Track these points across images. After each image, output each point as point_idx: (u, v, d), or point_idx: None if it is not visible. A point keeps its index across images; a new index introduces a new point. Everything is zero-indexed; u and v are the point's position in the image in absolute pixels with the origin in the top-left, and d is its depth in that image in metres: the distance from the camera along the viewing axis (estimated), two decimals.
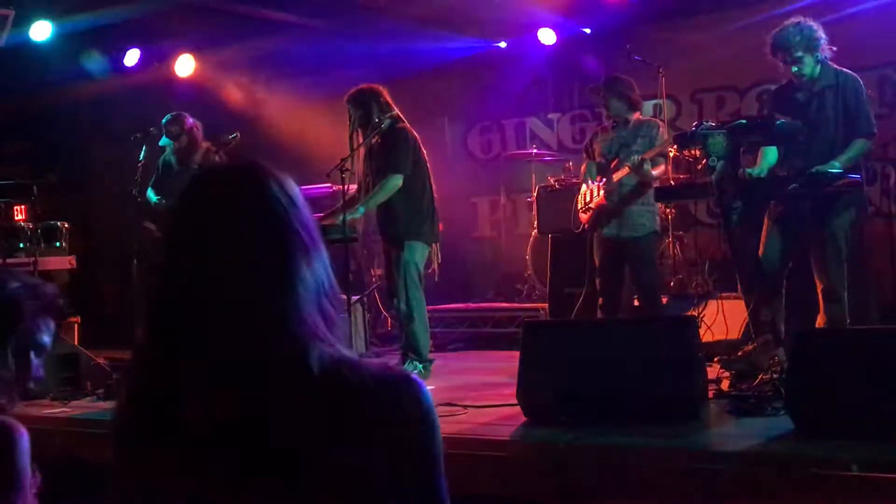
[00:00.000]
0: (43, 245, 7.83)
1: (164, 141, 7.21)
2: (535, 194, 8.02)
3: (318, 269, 1.38)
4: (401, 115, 6.15)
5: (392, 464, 1.28)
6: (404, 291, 5.99)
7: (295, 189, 1.42)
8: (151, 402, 1.37)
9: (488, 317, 8.09)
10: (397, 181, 5.98)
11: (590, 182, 6.38)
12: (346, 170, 6.15)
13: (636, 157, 5.93)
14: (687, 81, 8.42)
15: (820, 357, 3.98)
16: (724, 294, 6.55)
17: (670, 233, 7.00)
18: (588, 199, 6.35)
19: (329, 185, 6.66)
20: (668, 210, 6.84)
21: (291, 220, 1.37)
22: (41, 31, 8.40)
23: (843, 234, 5.02)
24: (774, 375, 4.51)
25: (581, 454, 3.89)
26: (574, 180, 7.37)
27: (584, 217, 6.38)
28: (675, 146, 5.95)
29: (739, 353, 5.11)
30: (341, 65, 8.45)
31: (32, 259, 7.58)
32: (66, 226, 8.18)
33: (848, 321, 4.99)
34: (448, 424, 4.42)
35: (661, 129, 6.17)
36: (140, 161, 7.18)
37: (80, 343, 7.03)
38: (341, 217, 5.94)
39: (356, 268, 7.75)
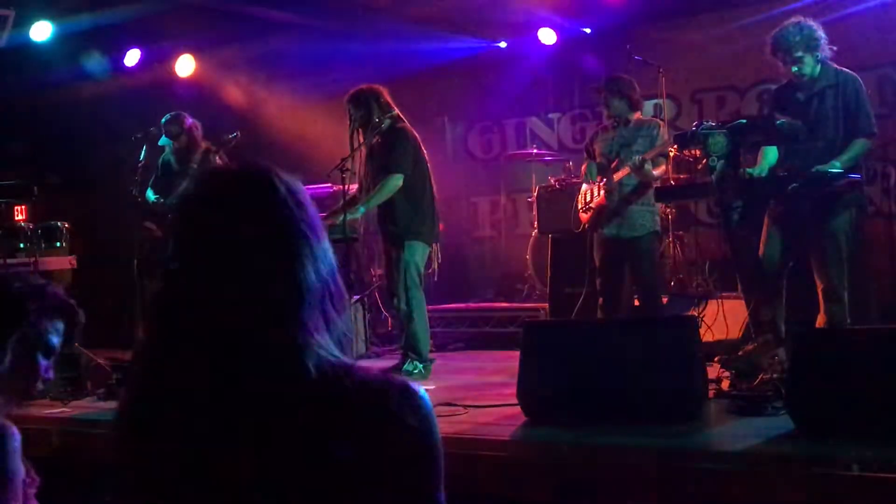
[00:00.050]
0: (43, 245, 7.83)
1: (163, 140, 7.20)
2: (535, 194, 8.02)
3: (325, 273, 1.37)
4: (401, 115, 6.15)
5: (389, 475, 1.27)
6: (404, 291, 5.99)
7: (303, 191, 1.42)
8: (154, 402, 1.37)
9: (488, 317, 8.09)
10: (398, 181, 5.98)
11: (590, 182, 6.39)
12: (347, 170, 6.15)
13: (637, 158, 5.93)
14: (687, 81, 8.43)
15: (820, 357, 3.98)
16: (724, 294, 6.56)
17: (670, 232, 7.00)
18: (588, 198, 6.35)
19: (329, 185, 6.67)
20: (668, 210, 6.85)
21: (299, 223, 1.37)
22: (41, 31, 8.40)
23: (843, 234, 5.01)
24: (775, 375, 4.51)
25: (581, 454, 3.89)
26: (574, 180, 7.37)
27: (584, 217, 6.38)
28: (676, 146, 5.96)
29: (740, 353, 5.11)
30: (341, 65, 8.45)
31: (33, 259, 7.58)
32: (67, 226, 8.18)
33: (848, 321, 4.99)
34: (448, 424, 4.41)
35: (661, 128, 6.17)
36: (140, 161, 7.18)
37: (81, 343, 7.02)
38: (342, 217, 5.94)
39: (356, 268, 7.75)
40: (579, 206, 6.44)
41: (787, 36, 5.07)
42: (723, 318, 6.23)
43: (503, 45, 9.45)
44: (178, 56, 9.37)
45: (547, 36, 8.95)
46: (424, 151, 6.18)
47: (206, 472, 1.30)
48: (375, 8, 8.49)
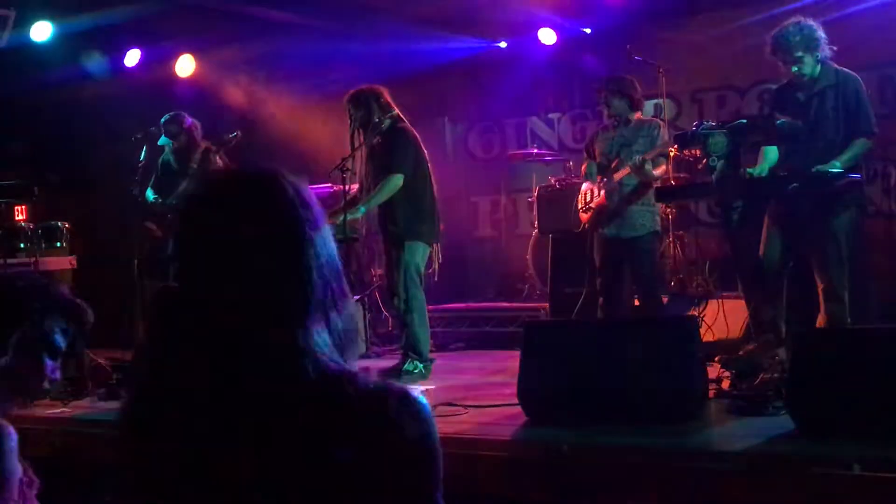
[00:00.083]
0: (43, 245, 7.83)
1: (162, 140, 7.20)
2: (535, 194, 8.02)
3: (329, 276, 1.37)
4: (401, 115, 6.15)
5: (388, 477, 1.27)
6: (404, 291, 5.99)
7: (309, 194, 1.42)
8: (154, 402, 1.37)
9: (489, 316, 8.09)
10: (398, 181, 5.98)
11: (590, 182, 6.39)
12: (347, 170, 6.15)
13: (637, 158, 5.93)
14: (687, 81, 8.42)
15: (820, 357, 3.98)
16: (724, 293, 6.56)
17: (671, 232, 7.00)
18: (588, 198, 6.35)
19: (330, 184, 6.67)
20: (668, 210, 6.84)
21: (304, 225, 1.36)
22: (41, 31, 8.40)
23: (843, 234, 5.01)
24: (775, 375, 4.51)
25: (581, 454, 3.88)
26: (575, 180, 7.37)
27: (584, 217, 6.38)
28: (676, 146, 5.96)
29: (740, 353, 5.11)
30: (341, 65, 8.45)
31: (33, 259, 7.59)
32: (67, 226, 8.18)
33: (848, 321, 4.99)
34: (449, 424, 4.42)
35: (661, 128, 6.17)
36: (140, 161, 7.18)
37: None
38: (342, 217, 5.94)
39: (356, 268, 7.75)
40: (579, 206, 6.44)
41: (787, 36, 5.07)
42: (723, 318, 6.23)
43: (503, 45, 9.44)
44: (178, 56, 9.36)
45: (547, 36, 8.95)
46: (425, 151, 6.18)
47: (206, 472, 1.30)
48: (375, 8, 8.49)
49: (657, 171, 6.06)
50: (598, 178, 6.29)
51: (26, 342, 2.15)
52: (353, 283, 7.33)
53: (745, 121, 5.19)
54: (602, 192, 6.22)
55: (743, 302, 5.52)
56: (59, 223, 8.11)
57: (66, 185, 9.65)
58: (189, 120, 7.19)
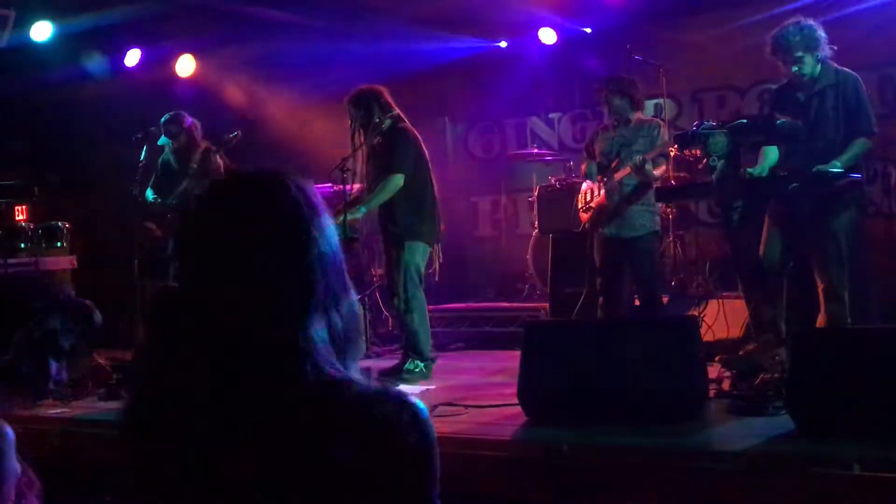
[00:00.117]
0: (44, 245, 7.83)
1: (162, 140, 7.20)
2: (535, 194, 8.02)
3: (332, 278, 1.37)
4: (402, 115, 6.15)
5: (386, 477, 1.27)
6: (404, 291, 5.99)
7: (315, 195, 1.41)
8: (154, 402, 1.37)
9: (489, 316, 8.09)
10: (399, 181, 5.98)
11: (590, 181, 6.38)
12: (347, 170, 6.15)
13: (638, 158, 5.93)
14: (687, 81, 8.43)
15: (821, 357, 3.98)
16: (724, 293, 6.56)
17: (671, 232, 7.00)
18: (588, 198, 6.35)
19: (330, 184, 6.67)
20: (668, 210, 6.84)
21: (308, 226, 1.36)
22: (42, 31, 8.40)
23: (843, 234, 5.01)
24: (775, 375, 4.51)
25: (581, 454, 3.89)
26: (575, 180, 7.37)
27: (584, 216, 6.38)
28: (676, 146, 5.96)
29: (740, 353, 5.11)
30: (341, 65, 8.44)
31: (33, 259, 7.59)
32: (67, 226, 8.18)
33: (849, 321, 4.99)
34: (449, 424, 4.42)
35: (662, 128, 6.16)
36: (141, 161, 7.18)
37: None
38: (342, 217, 5.94)
39: (357, 268, 7.75)
40: (579, 206, 6.44)
41: (787, 36, 5.07)
42: (723, 318, 6.23)
43: (503, 45, 9.45)
44: (178, 56, 9.37)
45: (547, 36, 8.96)
46: (426, 151, 6.18)
47: (206, 472, 1.30)
48: (375, 8, 8.49)
49: (657, 172, 6.06)
50: (599, 178, 6.29)
51: (30, 342, 2.15)
52: (354, 283, 7.34)
53: (745, 121, 5.18)
54: (602, 192, 6.22)
55: (743, 302, 5.52)
56: (60, 223, 8.11)
57: (66, 185, 9.65)
58: (189, 120, 7.19)
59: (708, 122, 5.17)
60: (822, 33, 5.08)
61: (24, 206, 8.20)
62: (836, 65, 5.17)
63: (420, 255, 6.06)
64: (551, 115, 9.58)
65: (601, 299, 6.25)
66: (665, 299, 6.69)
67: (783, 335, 5.04)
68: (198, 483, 1.30)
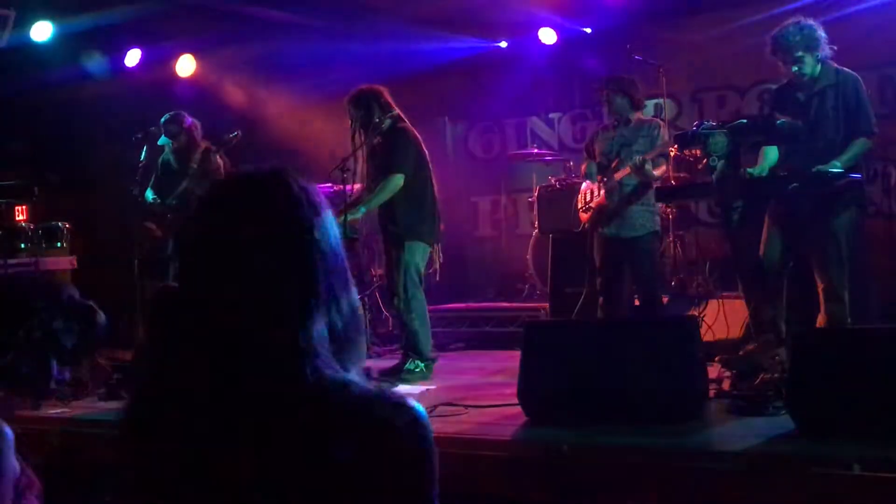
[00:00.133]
0: (44, 245, 7.83)
1: (162, 140, 7.20)
2: (535, 194, 8.02)
3: (334, 281, 1.37)
4: (402, 115, 6.15)
5: (386, 478, 1.27)
6: (404, 292, 5.99)
7: (318, 195, 1.41)
8: (154, 402, 1.37)
9: (489, 316, 8.09)
10: (399, 180, 5.98)
11: (590, 181, 6.38)
12: (347, 170, 6.15)
13: (638, 158, 5.93)
14: (688, 81, 8.43)
15: (821, 357, 3.98)
16: (724, 293, 6.56)
17: (671, 232, 7.00)
18: (588, 198, 6.35)
19: (329, 184, 6.67)
20: (668, 209, 6.84)
21: (310, 227, 1.36)
22: (42, 31, 8.40)
23: (843, 234, 5.01)
24: (775, 375, 4.51)
25: (581, 454, 3.88)
26: (575, 180, 7.37)
27: (584, 216, 6.38)
28: (676, 146, 5.96)
29: (740, 353, 5.11)
30: (341, 65, 8.44)
31: (33, 259, 7.59)
32: (68, 226, 8.18)
33: (849, 321, 4.99)
34: (449, 424, 4.42)
35: (661, 129, 6.16)
36: (141, 161, 7.18)
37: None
38: (342, 217, 5.94)
39: (357, 268, 7.75)
40: (579, 206, 6.44)
41: (787, 36, 5.06)
42: (723, 318, 6.23)
43: (503, 45, 9.45)
44: (178, 56, 9.37)
45: (547, 36, 8.96)
46: (426, 151, 6.18)
47: (206, 472, 1.30)
48: (375, 8, 8.49)
49: (657, 172, 6.06)
50: (598, 178, 6.29)
51: (31, 342, 2.14)
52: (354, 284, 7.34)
53: (745, 121, 5.18)
54: (602, 192, 6.22)
55: (743, 302, 5.52)
56: (60, 223, 8.10)
57: (66, 185, 9.65)
58: (189, 120, 7.19)
59: (708, 122, 5.17)
60: (822, 33, 5.08)
61: (24, 206, 8.19)
62: (836, 65, 5.17)
63: (420, 255, 6.06)
64: (551, 115, 9.58)
65: (601, 299, 6.25)
66: (665, 299, 6.70)
67: (783, 335, 5.04)
68: (198, 483, 1.30)
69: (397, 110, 6.13)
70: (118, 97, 9.16)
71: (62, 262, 7.99)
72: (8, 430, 2.03)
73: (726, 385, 4.83)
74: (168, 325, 1.38)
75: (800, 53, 5.05)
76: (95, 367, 6.03)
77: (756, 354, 4.89)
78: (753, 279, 5.26)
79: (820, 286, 5.05)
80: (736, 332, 6.09)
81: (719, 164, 4.91)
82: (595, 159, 6.37)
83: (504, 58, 9.41)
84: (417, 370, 5.96)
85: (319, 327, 1.33)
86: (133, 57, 9.27)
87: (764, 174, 5.12)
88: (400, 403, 1.32)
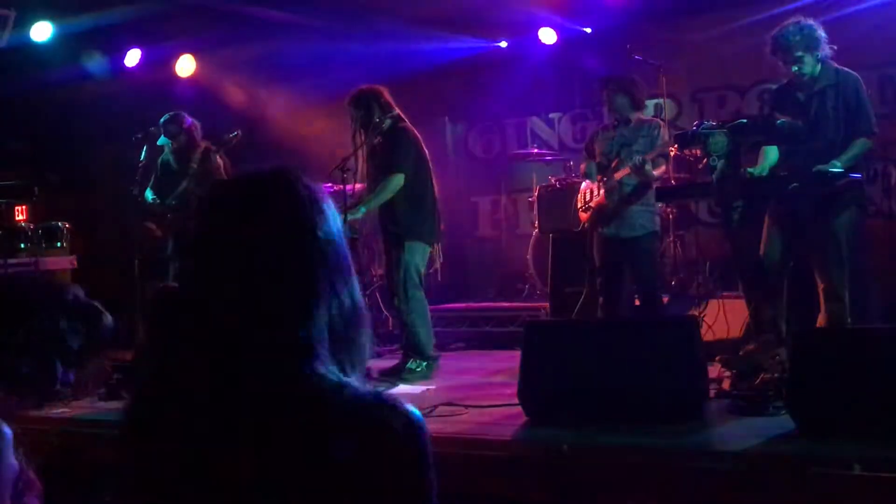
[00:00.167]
0: (44, 245, 7.83)
1: (162, 140, 7.20)
2: (536, 194, 8.02)
3: (337, 282, 1.36)
4: (402, 115, 6.15)
5: (385, 479, 1.27)
6: (404, 292, 5.99)
7: (323, 195, 1.41)
8: (154, 402, 1.37)
9: (489, 316, 8.09)
10: (399, 180, 5.99)
11: (590, 181, 6.38)
12: (347, 170, 6.16)
13: (638, 158, 5.93)
14: (688, 81, 8.44)
15: (821, 356, 3.98)
16: (725, 293, 6.56)
17: (671, 232, 7.00)
18: (588, 197, 6.34)
19: (329, 184, 6.67)
20: (669, 209, 6.84)
21: (314, 228, 1.36)
22: (42, 31, 8.40)
23: (843, 234, 5.01)
24: (776, 375, 4.50)
25: (582, 454, 3.88)
26: (575, 179, 7.37)
27: (583, 216, 6.38)
28: (676, 146, 5.96)
29: (741, 353, 5.11)
30: (341, 65, 8.45)
31: (33, 259, 7.59)
32: (68, 226, 8.18)
33: (849, 320, 4.99)
34: (449, 424, 4.42)
35: (661, 129, 6.16)
36: (141, 161, 7.18)
37: None
38: (343, 217, 5.94)
39: (357, 268, 7.74)
40: (579, 206, 6.44)
41: (787, 36, 5.06)
42: (724, 318, 6.23)
43: (503, 44, 9.45)
44: (178, 56, 9.37)
45: (547, 36, 8.96)
46: (426, 151, 6.18)
47: (206, 472, 1.30)
48: (375, 8, 8.48)
49: (657, 172, 6.06)
50: (598, 178, 6.29)
51: (33, 342, 2.13)
52: None
53: (745, 121, 5.18)
54: (602, 192, 6.22)
55: (743, 302, 5.51)
56: (60, 223, 8.11)
57: (66, 185, 9.66)
58: (189, 120, 7.19)
59: (708, 122, 5.17)
60: (822, 33, 5.08)
61: (24, 206, 8.20)
62: (836, 65, 5.17)
63: (420, 255, 6.06)
64: (551, 115, 9.58)
65: (601, 299, 6.25)
66: (665, 299, 6.69)
67: (783, 335, 5.03)
68: (198, 483, 1.30)
69: (397, 110, 6.13)
70: (118, 97, 9.16)
71: (62, 262, 8.00)
72: (7, 430, 2.02)
73: (726, 385, 4.83)
74: (168, 325, 1.38)
75: (800, 53, 5.05)
76: (97, 368, 6.03)
77: (756, 354, 4.89)
78: (754, 279, 5.26)
79: (820, 286, 5.05)
80: (736, 332, 6.09)
81: (719, 164, 4.91)
82: (595, 159, 6.37)
83: (504, 58, 9.41)
84: (419, 370, 5.97)
85: (320, 328, 1.33)
86: (133, 57, 9.27)
87: (764, 174, 5.12)
88: (394, 406, 1.32)
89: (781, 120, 5.15)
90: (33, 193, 8.12)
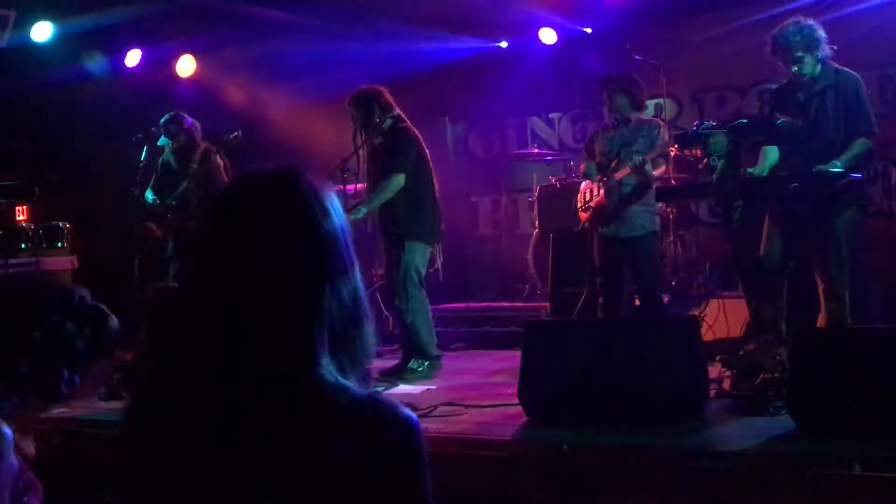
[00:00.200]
0: (45, 245, 7.84)
1: (162, 140, 7.21)
2: (536, 194, 8.02)
3: (339, 284, 1.36)
4: (402, 115, 6.15)
5: (381, 487, 1.28)
6: (404, 291, 5.99)
7: (331, 199, 1.41)
8: (154, 402, 1.37)
9: (489, 316, 8.09)
10: (400, 180, 5.99)
11: (590, 181, 6.38)
12: (348, 170, 6.16)
13: (638, 158, 5.92)
14: (688, 81, 8.43)
15: (821, 356, 3.98)
16: (725, 293, 6.56)
17: (671, 232, 7.00)
18: (588, 197, 6.34)
19: (329, 185, 6.67)
20: (669, 209, 6.84)
21: (318, 228, 1.36)
22: (42, 31, 8.40)
23: (843, 234, 5.01)
24: (776, 375, 4.50)
25: (582, 454, 3.88)
26: (575, 179, 7.37)
27: (583, 216, 6.38)
28: (676, 146, 5.96)
29: (741, 353, 5.11)
30: (341, 65, 8.45)
31: (34, 259, 7.59)
32: (68, 226, 8.19)
33: (849, 320, 4.99)
34: (449, 424, 4.43)
35: (661, 129, 6.16)
36: (141, 161, 7.18)
37: None
38: None
39: (360, 267, 7.73)
40: (579, 206, 6.44)
41: (787, 36, 5.06)
42: (724, 318, 6.23)
43: (504, 45, 9.44)
44: (178, 56, 9.37)
45: (547, 36, 8.96)
46: (426, 151, 6.18)
47: (206, 472, 1.30)
48: (375, 8, 8.48)
49: (657, 172, 6.06)
50: (598, 178, 6.29)
51: (42, 346, 2.12)
52: None
53: (745, 121, 5.18)
54: (602, 191, 6.22)
55: (743, 302, 5.51)
56: (61, 223, 8.11)
57: (66, 185, 9.66)
58: (189, 120, 7.19)
59: (708, 122, 5.17)
60: (822, 33, 5.08)
61: (24, 206, 8.21)
62: (836, 65, 5.17)
63: (420, 255, 6.06)
64: (551, 115, 9.58)
65: (601, 299, 6.25)
66: (665, 299, 6.69)
67: (783, 335, 5.03)
68: (198, 483, 1.30)
69: (398, 110, 6.13)
70: (118, 97, 9.16)
71: (62, 262, 8.00)
72: (7, 430, 2.02)
73: (726, 385, 4.83)
74: (168, 325, 1.38)
75: (800, 53, 5.05)
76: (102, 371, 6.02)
77: (756, 354, 4.89)
78: (754, 279, 5.26)
79: (820, 286, 5.05)
80: (736, 331, 6.10)
81: (719, 164, 4.91)
82: (595, 159, 6.37)
83: (504, 58, 9.40)
84: (420, 369, 5.97)
85: (321, 328, 1.33)
86: (133, 57, 9.26)
87: (764, 174, 5.12)
88: (390, 408, 1.32)
89: (781, 120, 5.15)
90: (33, 193, 8.13)
